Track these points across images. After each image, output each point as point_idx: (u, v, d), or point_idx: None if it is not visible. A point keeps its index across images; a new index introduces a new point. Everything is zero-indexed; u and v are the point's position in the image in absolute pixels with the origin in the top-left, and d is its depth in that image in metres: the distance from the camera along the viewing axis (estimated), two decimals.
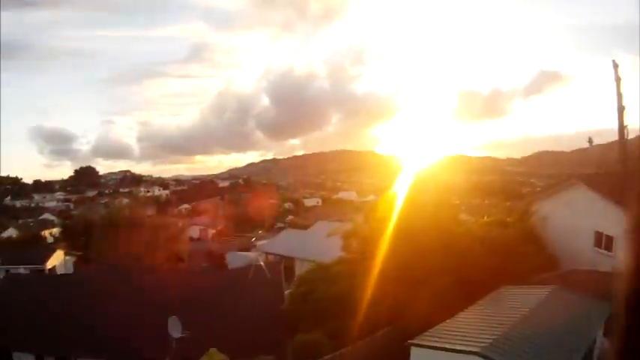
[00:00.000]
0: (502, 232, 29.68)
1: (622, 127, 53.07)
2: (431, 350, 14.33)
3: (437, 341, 14.90)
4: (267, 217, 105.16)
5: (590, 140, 61.92)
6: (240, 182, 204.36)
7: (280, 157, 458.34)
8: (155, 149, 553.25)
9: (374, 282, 23.98)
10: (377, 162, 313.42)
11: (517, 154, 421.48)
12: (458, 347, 13.78)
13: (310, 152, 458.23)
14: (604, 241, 26.44)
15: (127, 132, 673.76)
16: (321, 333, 23.72)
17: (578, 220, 28.82)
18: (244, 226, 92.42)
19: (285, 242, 54.87)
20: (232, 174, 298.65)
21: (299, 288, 29.86)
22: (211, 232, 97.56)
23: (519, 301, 18.39)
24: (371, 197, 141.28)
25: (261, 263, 35.50)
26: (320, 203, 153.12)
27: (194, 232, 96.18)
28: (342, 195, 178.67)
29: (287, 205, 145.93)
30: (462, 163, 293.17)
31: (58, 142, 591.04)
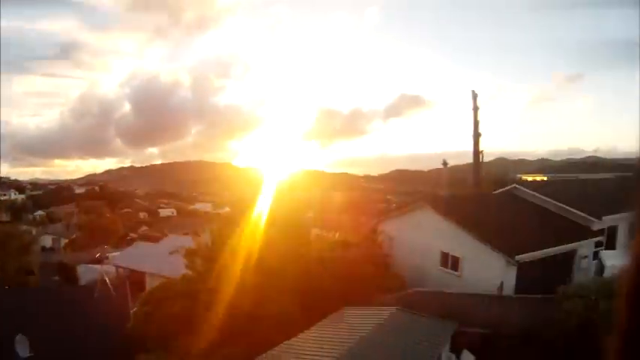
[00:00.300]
0: (345, 253, 30.47)
1: (477, 153, 57.85)
2: None
3: None
4: (121, 228, 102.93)
5: (444, 162, 66.26)
6: (97, 189, 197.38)
7: (138, 165, 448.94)
8: (14, 150, 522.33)
9: (216, 301, 23.91)
10: (234, 174, 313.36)
11: (374, 172, 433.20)
12: None
13: (168, 162, 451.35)
14: (450, 261, 29.32)
15: None
16: (165, 353, 23.60)
17: (424, 240, 31.32)
18: (98, 236, 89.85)
19: (136, 255, 53.40)
20: (90, 180, 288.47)
21: (143, 307, 29.25)
22: (64, 241, 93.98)
23: (359, 323, 19.27)
24: (226, 209, 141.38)
25: (106, 279, 35.04)
26: (175, 214, 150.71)
27: (47, 241, 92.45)
28: (197, 206, 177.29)
29: (142, 215, 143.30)
30: (318, 178, 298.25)
31: None
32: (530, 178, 70.51)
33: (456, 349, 20.64)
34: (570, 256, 27.98)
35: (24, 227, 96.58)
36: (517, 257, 24.87)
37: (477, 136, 58.31)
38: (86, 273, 50.97)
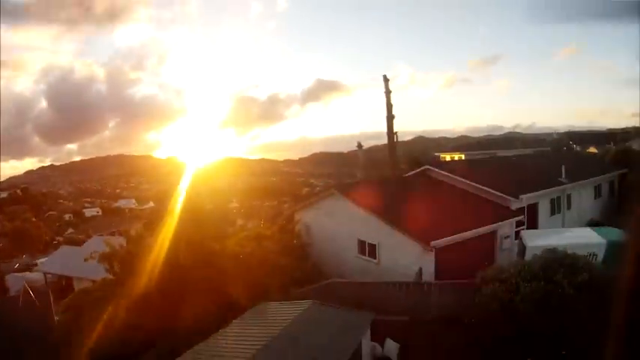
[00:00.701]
0: (258, 246, 28.33)
1: (391, 133, 57.16)
2: None
3: None
4: (46, 232, 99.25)
5: (359, 144, 65.97)
6: (19, 193, 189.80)
7: (58, 164, 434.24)
8: None
9: (134, 304, 22.65)
10: (155, 166, 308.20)
11: (294, 156, 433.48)
12: None
13: (88, 157, 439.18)
14: (367, 249, 27.94)
15: None
16: None
17: (341, 228, 30.04)
18: (24, 242, 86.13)
19: (63, 260, 51.89)
20: (12, 183, 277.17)
21: (65, 315, 28.04)
22: None
23: (275, 318, 18.23)
24: (150, 204, 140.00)
25: (28, 288, 32.12)
26: (100, 213, 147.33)
27: None
28: (121, 203, 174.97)
29: (67, 216, 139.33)
30: (239, 166, 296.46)
31: None
32: (448, 157, 70.57)
33: (378, 339, 19.31)
34: (491, 237, 26.83)
35: None
36: (433, 243, 23.49)
37: (390, 118, 57.70)
38: (16, 282, 47.61)
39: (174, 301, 22.40)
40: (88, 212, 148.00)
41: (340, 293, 23.53)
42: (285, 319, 17.31)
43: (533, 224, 29.58)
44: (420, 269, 23.71)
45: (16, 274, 54.21)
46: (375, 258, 27.32)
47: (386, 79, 59.08)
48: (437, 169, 34.07)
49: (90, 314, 24.11)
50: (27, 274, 52.73)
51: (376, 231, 26.94)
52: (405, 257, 24.81)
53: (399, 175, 40.61)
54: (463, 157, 66.81)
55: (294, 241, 32.72)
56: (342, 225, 29.89)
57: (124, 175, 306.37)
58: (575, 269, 17.17)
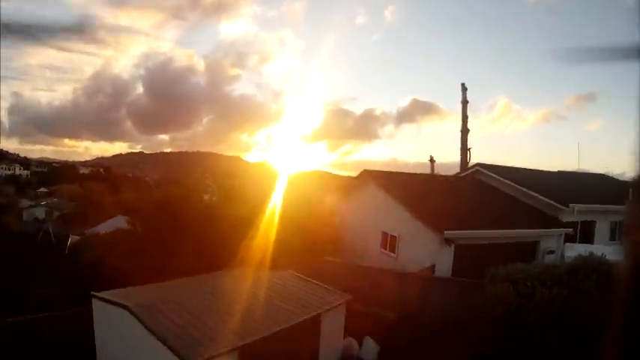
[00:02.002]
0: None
1: (465, 148, 52.99)
2: (101, 302, 13.14)
3: (114, 295, 13.28)
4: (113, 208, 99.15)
5: (431, 158, 61.64)
6: (102, 172, 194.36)
7: (148, 152, 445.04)
8: (25, 126, 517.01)
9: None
10: (243, 168, 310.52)
11: None
12: (116, 300, 12.62)
13: (177, 150, 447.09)
14: (389, 242, 24.58)
15: None
16: None
17: (369, 219, 26.97)
18: (89, 213, 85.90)
19: (113, 224, 49.48)
20: (98, 163, 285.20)
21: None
22: (57, 214, 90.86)
23: (245, 279, 16.89)
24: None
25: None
26: None
27: (40, 213, 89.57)
28: (204, 198, 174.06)
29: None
30: (328, 180, 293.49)
31: None
32: None
33: (358, 336, 16.27)
34: (531, 248, 22.58)
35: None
36: (447, 233, 19.80)
37: (465, 131, 53.50)
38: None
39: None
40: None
41: (334, 273, 20.43)
42: (253, 282, 16.37)
43: (587, 242, 24.68)
44: (433, 265, 20.17)
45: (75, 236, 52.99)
46: (393, 252, 23.92)
47: (464, 88, 55.01)
48: (486, 171, 29.59)
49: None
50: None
51: (399, 221, 23.58)
52: (422, 251, 21.33)
53: (446, 176, 36.49)
54: None
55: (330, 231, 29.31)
56: (370, 215, 26.91)
57: (211, 172, 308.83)
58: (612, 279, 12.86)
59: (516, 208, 25.02)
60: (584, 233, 25.35)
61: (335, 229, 29.69)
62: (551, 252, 22.79)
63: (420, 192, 25.75)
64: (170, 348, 10.31)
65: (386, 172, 29.35)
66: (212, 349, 10.44)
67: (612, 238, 26.98)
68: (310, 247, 24.41)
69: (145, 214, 27.13)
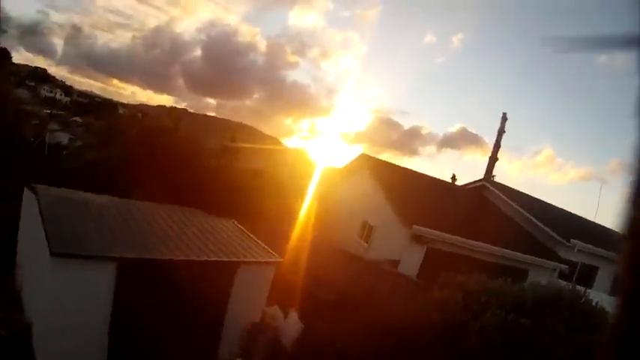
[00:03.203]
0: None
1: (489, 175, 50.56)
2: (29, 191, 12.82)
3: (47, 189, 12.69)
4: None
5: (453, 176, 59.34)
6: (139, 116, 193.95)
7: (191, 111, 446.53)
8: (77, 58, 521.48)
9: None
10: (280, 151, 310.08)
11: None
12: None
13: (221, 117, 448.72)
14: (365, 232, 22.35)
15: (55, 29, 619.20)
16: None
17: (354, 205, 24.58)
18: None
19: None
20: (140, 109, 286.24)
21: None
22: (79, 143, 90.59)
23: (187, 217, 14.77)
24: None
25: None
26: None
27: (64, 139, 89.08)
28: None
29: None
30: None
31: None
32: None
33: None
34: (518, 276, 19.42)
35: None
36: (415, 227, 17.35)
37: (493, 159, 50.86)
38: None
39: None
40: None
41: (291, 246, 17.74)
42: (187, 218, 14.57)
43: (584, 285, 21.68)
44: (398, 261, 17.82)
45: None
46: (367, 242, 21.67)
47: (504, 118, 52.68)
48: (492, 187, 26.70)
49: None
50: None
51: (378, 210, 21.28)
52: (393, 246, 18.86)
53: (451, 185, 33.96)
54: None
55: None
56: (357, 202, 24.47)
57: (247, 148, 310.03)
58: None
59: (511, 230, 22.11)
60: (583, 277, 22.37)
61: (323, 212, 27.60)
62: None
63: (412, 188, 23.46)
64: (45, 232, 9.42)
65: (387, 162, 26.83)
66: (84, 250, 9.31)
67: (613, 292, 23.97)
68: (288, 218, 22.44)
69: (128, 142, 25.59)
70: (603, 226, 33.05)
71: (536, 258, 19.86)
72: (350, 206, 24.86)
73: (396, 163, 28.44)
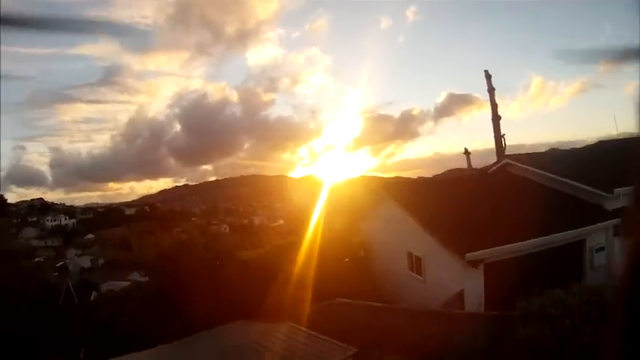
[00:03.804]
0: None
1: (498, 135, 50.06)
2: None
3: None
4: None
5: (465, 150, 58.96)
6: (147, 210, 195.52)
7: (192, 184, 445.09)
8: (67, 176, 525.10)
9: None
10: (289, 186, 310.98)
11: (428, 173, 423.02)
12: None
13: (222, 178, 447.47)
14: (414, 263, 21.59)
15: (38, 158, 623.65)
16: None
17: (393, 237, 23.99)
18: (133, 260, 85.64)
19: None
20: (144, 201, 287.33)
21: None
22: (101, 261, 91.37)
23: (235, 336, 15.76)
24: (280, 222, 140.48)
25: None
26: (227, 230, 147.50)
27: (85, 262, 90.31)
28: (251, 220, 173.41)
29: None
30: (373, 183, 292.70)
31: None
32: None
33: None
34: (577, 249, 19.05)
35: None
36: (468, 256, 16.57)
37: (496, 119, 50.56)
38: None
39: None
40: (215, 230, 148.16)
41: (345, 315, 17.94)
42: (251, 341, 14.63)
43: None
44: (462, 291, 17.04)
45: (115, 281, 53.69)
46: (421, 275, 20.94)
47: (488, 75, 52.22)
48: (516, 163, 26.07)
49: None
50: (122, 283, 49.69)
51: (421, 239, 20.45)
52: (449, 274, 18.28)
53: (475, 172, 33.37)
54: None
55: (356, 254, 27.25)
56: (394, 233, 23.88)
57: (258, 194, 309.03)
58: None
59: (554, 203, 21.08)
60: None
61: (359, 249, 27.44)
62: (601, 249, 19.37)
63: (441, 202, 22.50)
64: None
65: (402, 182, 26.64)
66: None
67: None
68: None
69: (153, 267, 26.30)
70: (630, 140, 32.39)
71: (590, 227, 19.26)
72: (387, 240, 24.57)
73: (411, 177, 28.18)
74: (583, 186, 21.09)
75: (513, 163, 26.25)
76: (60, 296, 33.73)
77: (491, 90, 50.67)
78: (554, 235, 18.07)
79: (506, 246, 17.26)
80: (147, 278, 29.57)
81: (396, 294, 22.54)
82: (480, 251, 16.65)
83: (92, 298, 33.78)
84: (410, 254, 21.82)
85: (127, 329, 21.00)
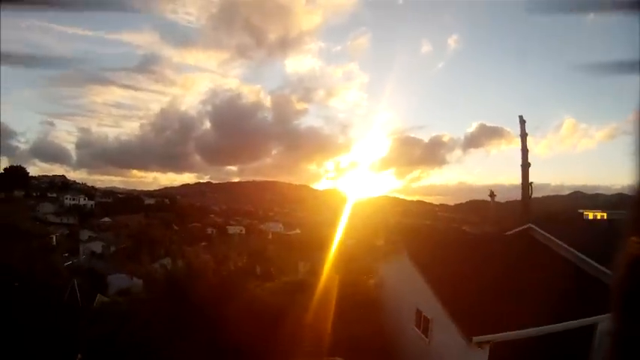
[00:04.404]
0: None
1: (526, 183, 49.82)
2: None
3: None
4: (171, 242, 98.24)
5: (491, 193, 59.14)
6: (167, 202, 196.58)
7: (215, 182, 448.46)
8: (92, 158, 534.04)
9: None
10: (312, 196, 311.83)
11: (450, 201, 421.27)
12: None
13: (246, 180, 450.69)
14: (422, 322, 21.23)
15: (65, 136, 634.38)
16: None
17: (404, 290, 23.90)
18: (146, 247, 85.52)
19: None
20: (165, 193, 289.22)
21: None
22: (113, 249, 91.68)
23: None
24: (297, 231, 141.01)
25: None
26: (243, 232, 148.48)
27: (97, 247, 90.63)
28: (268, 225, 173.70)
29: (210, 230, 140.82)
30: (395, 205, 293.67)
31: None
32: (591, 215, 60.85)
33: None
34: (588, 332, 18.31)
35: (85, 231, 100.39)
36: (476, 339, 16.18)
37: (525, 165, 50.40)
38: (119, 282, 51.83)
39: None
40: (232, 230, 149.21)
41: None
42: None
43: None
44: None
45: (122, 274, 56.47)
46: (426, 335, 20.59)
47: (522, 121, 51.99)
48: (539, 229, 25.57)
49: None
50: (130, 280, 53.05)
51: (432, 302, 19.95)
52: (452, 343, 17.80)
53: (497, 233, 32.80)
54: (605, 215, 57.42)
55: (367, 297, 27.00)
56: (405, 287, 23.78)
57: (279, 201, 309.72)
58: None
59: (573, 282, 20.39)
60: None
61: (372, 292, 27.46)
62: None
63: (457, 264, 22.15)
64: None
65: (424, 236, 26.13)
66: None
67: None
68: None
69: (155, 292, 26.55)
70: None
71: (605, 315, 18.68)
72: (399, 292, 24.61)
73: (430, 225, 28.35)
74: (603, 269, 20.57)
75: (537, 229, 25.72)
76: (65, 292, 33.77)
77: (523, 135, 50.35)
78: (567, 322, 17.65)
79: (516, 332, 16.82)
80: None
81: (399, 346, 22.61)
82: (489, 335, 16.29)
83: (95, 304, 33.62)
84: (419, 312, 21.48)
85: (125, 347, 20.82)
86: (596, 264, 21.01)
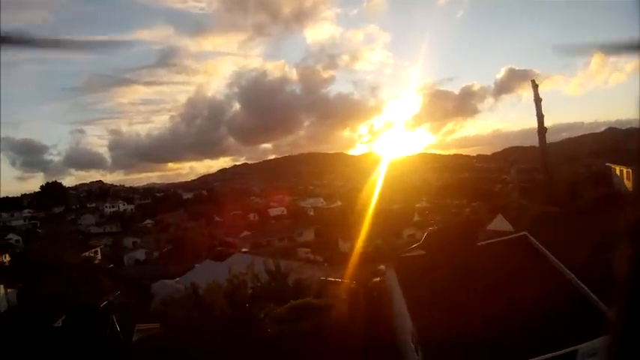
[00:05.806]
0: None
1: (543, 147, 49.89)
2: None
3: None
4: (212, 239, 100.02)
5: (511, 162, 59.67)
6: (205, 194, 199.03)
7: (252, 162, 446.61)
8: (127, 158, 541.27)
9: None
10: (349, 163, 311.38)
11: (488, 151, 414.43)
12: None
13: (282, 156, 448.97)
14: (414, 340, 21.93)
15: (97, 141, 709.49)
16: None
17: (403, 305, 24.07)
18: (189, 249, 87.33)
19: (200, 275, 48.05)
20: (204, 181, 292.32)
21: None
22: (156, 254, 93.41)
23: None
24: (338, 203, 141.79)
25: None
26: (285, 212, 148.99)
27: (140, 254, 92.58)
28: (309, 202, 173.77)
29: (252, 216, 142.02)
30: (433, 161, 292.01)
31: (29, 154, 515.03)
32: (617, 169, 58.57)
33: None
34: (570, 356, 19.04)
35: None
36: None
37: (542, 132, 50.23)
38: (161, 290, 50.80)
39: None
40: (273, 212, 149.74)
41: None
42: None
43: None
44: None
45: (166, 281, 55.64)
46: (417, 354, 21.16)
47: (535, 85, 51.69)
48: (534, 240, 25.95)
49: None
50: (175, 282, 52.66)
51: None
52: None
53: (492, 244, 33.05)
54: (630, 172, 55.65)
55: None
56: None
57: (317, 172, 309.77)
58: None
59: (562, 303, 20.51)
60: None
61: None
62: (593, 354, 19.38)
63: (446, 286, 22.77)
64: None
65: (421, 270, 26.04)
66: None
67: None
68: None
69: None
70: None
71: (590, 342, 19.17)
72: (401, 305, 24.64)
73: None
74: (592, 295, 20.85)
75: (532, 240, 25.91)
76: (107, 327, 34.23)
77: (537, 100, 50.23)
78: (551, 353, 18.42)
79: None
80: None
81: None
82: None
83: (133, 338, 34.34)
84: (413, 334, 21.83)
85: None
86: (583, 286, 21.37)
